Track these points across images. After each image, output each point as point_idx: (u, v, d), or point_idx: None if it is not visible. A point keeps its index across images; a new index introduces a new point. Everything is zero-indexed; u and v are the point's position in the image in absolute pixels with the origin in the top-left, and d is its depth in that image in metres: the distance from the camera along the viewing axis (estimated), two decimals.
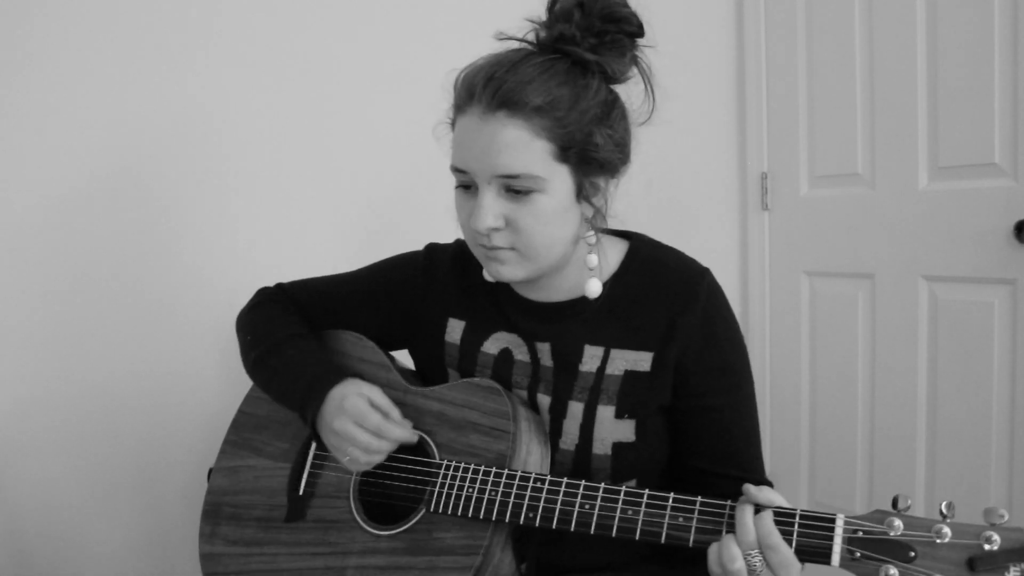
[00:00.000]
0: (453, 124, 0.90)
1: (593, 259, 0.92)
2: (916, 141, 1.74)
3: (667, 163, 2.02)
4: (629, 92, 0.91)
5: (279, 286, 1.14)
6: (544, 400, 0.96)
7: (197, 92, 1.48)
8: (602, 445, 0.92)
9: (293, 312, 1.10)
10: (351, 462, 0.94)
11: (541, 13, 0.88)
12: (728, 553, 0.74)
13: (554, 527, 0.83)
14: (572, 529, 0.83)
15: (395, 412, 0.95)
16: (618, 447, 0.92)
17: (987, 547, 0.66)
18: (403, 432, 0.93)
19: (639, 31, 0.88)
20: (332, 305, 1.10)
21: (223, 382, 1.49)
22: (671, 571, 0.98)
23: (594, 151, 0.86)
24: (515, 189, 0.84)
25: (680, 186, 2.09)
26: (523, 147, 0.82)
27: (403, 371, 1.06)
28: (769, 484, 0.91)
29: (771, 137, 2.07)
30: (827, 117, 1.93)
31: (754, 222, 2.13)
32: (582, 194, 0.88)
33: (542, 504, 0.85)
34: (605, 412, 0.92)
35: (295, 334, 1.05)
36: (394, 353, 1.10)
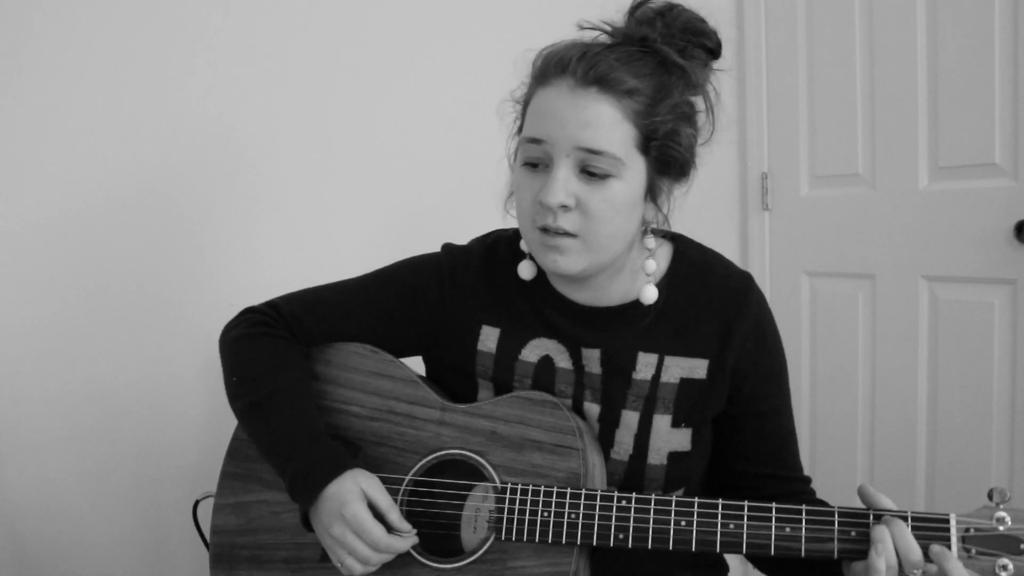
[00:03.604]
0: (527, 100, 0.87)
1: (652, 264, 0.91)
2: (916, 141, 1.74)
3: None
4: None
5: (271, 306, 1.01)
6: (592, 409, 0.92)
7: (205, 94, 1.47)
8: (657, 455, 0.90)
9: (285, 345, 0.98)
10: (345, 568, 0.86)
11: (610, 16, 0.87)
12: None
13: (650, 547, 0.80)
14: (671, 548, 0.80)
15: (394, 513, 0.87)
16: (673, 456, 0.90)
17: None
18: (403, 543, 0.86)
19: (717, 49, 0.87)
20: (338, 318, 1.00)
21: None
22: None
23: (675, 148, 0.85)
24: (592, 170, 0.82)
25: (680, 186, 2.08)
26: (611, 126, 0.81)
27: (433, 386, 0.98)
28: (808, 479, 0.95)
29: (771, 137, 2.07)
30: (827, 117, 1.93)
31: (754, 222, 2.13)
32: (652, 193, 0.87)
33: (632, 523, 0.81)
34: (661, 421, 0.90)
35: (282, 388, 0.94)
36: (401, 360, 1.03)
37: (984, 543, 0.71)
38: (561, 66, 0.82)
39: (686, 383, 0.90)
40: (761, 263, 2.12)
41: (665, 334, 0.91)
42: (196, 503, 1.06)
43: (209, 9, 1.47)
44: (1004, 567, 0.69)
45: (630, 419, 0.91)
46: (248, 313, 1.02)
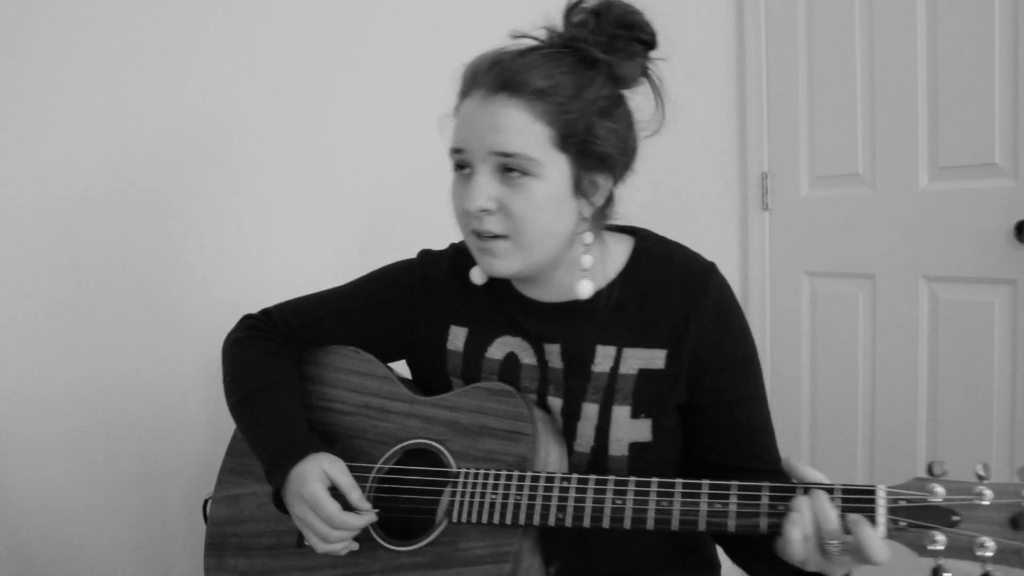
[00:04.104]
0: (457, 112, 0.90)
1: (587, 260, 0.92)
2: (916, 141, 1.74)
3: (667, 163, 2.02)
4: (639, 106, 0.91)
5: (264, 313, 1.09)
6: (555, 403, 0.94)
7: (201, 95, 1.48)
8: (618, 446, 0.91)
9: (274, 348, 1.05)
10: (311, 546, 0.91)
11: (556, 22, 0.89)
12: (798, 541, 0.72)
13: (587, 525, 0.81)
14: (606, 525, 0.81)
15: (355, 493, 0.91)
16: (635, 447, 0.91)
17: None
18: (359, 520, 0.89)
19: (652, 40, 0.89)
20: (324, 322, 1.07)
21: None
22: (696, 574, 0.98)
23: (595, 143, 0.86)
24: (510, 173, 0.84)
25: (680, 186, 2.09)
26: (521, 127, 0.83)
27: (406, 381, 1.03)
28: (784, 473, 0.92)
29: (771, 137, 2.07)
30: (827, 117, 1.93)
31: (754, 222, 2.13)
32: (580, 189, 0.88)
33: (571, 503, 0.82)
34: (620, 412, 0.91)
35: (269, 384, 1.00)
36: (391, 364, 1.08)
37: (915, 515, 0.69)
38: (474, 77, 0.87)
39: (644, 374, 0.91)
40: (761, 263, 2.12)
41: (623, 326, 0.92)
42: (206, 502, 1.09)
43: (209, 9, 1.48)
44: (934, 541, 0.67)
45: (590, 411, 0.92)
46: (245, 319, 1.10)
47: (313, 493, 0.88)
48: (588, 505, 0.82)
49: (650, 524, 0.79)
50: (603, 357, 0.92)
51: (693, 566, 1.00)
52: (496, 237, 0.87)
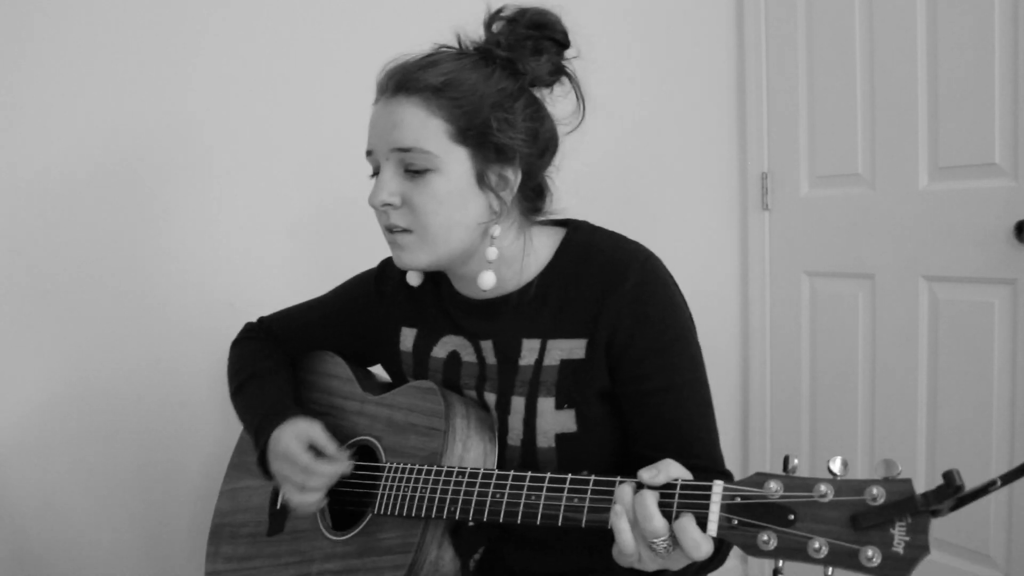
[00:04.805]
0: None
1: (492, 252, 0.93)
2: (916, 141, 1.74)
3: (668, 163, 2.02)
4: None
5: (261, 320, 1.21)
6: (491, 398, 0.96)
7: (196, 94, 1.48)
8: (545, 438, 0.92)
9: (269, 347, 1.16)
10: (290, 502, 0.96)
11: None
12: (623, 542, 0.71)
13: (471, 518, 0.85)
14: (485, 519, 0.83)
15: (330, 448, 0.96)
16: (561, 439, 0.92)
17: (871, 503, 0.61)
18: (332, 468, 0.94)
19: (563, 39, 0.93)
20: (305, 331, 1.17)
21: (224, 384, 1.49)
22: None
23: (492, 135, 0.88)
24: (411, 168, 0.88)
25: (680, 186, 2.09)
26: (417, 123, 0.87)
27: (366, 382, 1.09)
28: (726, 473, 0.90)
29: (771, 137, 2.07)
30: (827, 117, 1.93)
31: (754, 222, 2.13)
32: (485, 182, 0.90)
33: (462, 497, 0.85)
34: (545, 404, 0.92)
35: (259, 371, 1.11)
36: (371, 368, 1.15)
37: (750, 513, 0.66)
38: (378, 84, 0.92)
39: (566, 364, 0.91)
40: (761, 263, 2.12)
41: (547, 318, 0.93)
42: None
43: (209, 10, 1.48)
44: (765, 541, 0.64)
45: (518, 404, 0.94)
46: (245, 326, 1.21)
47: (287, 447, 0.95)
48: (474, 499, 0.84)
49: (519, 519, 0.81)
50: (528, 350, 0.94)
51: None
52: (402, 231, 0.90)
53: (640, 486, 0.72)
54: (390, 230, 0.92)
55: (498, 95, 0.89)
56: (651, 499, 0.70)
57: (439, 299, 1.03)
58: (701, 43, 2.10)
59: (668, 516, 0.70)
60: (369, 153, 0.92)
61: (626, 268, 0.90)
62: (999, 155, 1.61)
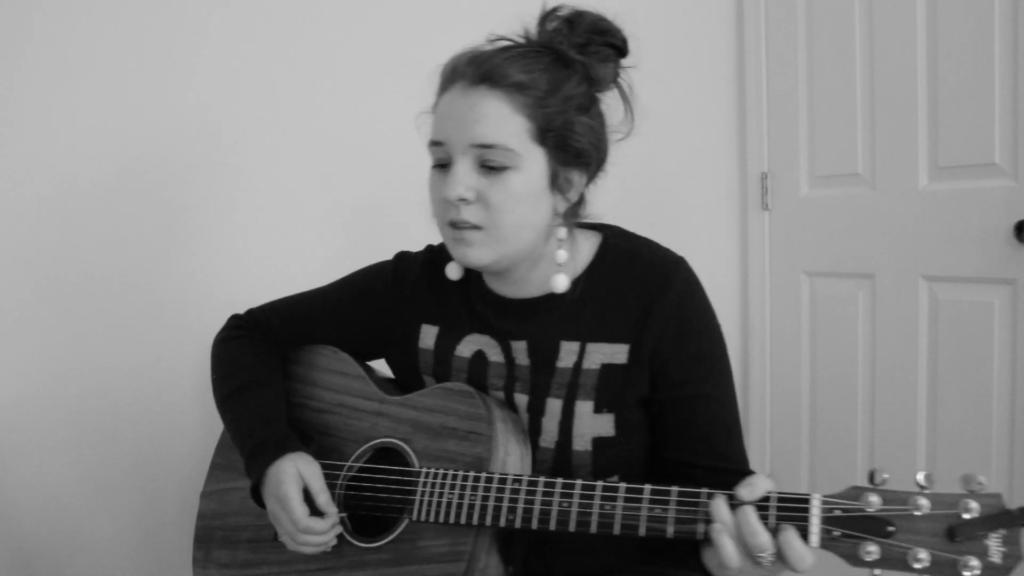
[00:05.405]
0: (435, 107, 0.92)
1: (562, 254, 0.93)
2: (916, 141, 1.74)
3: (668, 163, 2.02)
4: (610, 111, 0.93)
5: (250, 313, 1.14)
6: (521, 399, 0.95)
7: (201, 93, 1.48)
8: (582, 441, 0.92)
9: (260, 346, 1.09)
10: (287, 546, 0.94)
11: (531, 28, 0.91)
12: (725, 554, 0.72)
13: (534, 527, 0.82)
14: (552, 528, 0.81)
15: (323, 496, 0.93)
16: (598, 442, 0.92)
17: (966, 516, 0.65)
18: (323, 525, 0.91)
19: (623, 46, 0.92)
20: (304, 323, 1.11)
21: None
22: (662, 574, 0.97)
23: (572, 139, 0.88)
24: (489, 164, 0.86)
25: (680, 186, 2.09)
26: (501, 119, 0.85)
27: (380, 381, 1.06)
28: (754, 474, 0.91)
29: (771, 137, 2.07)
30: (827, 117, 1.93)
31: (754, 222, 2.12)
32: (556, 184, 0.89)
33: (521, 504, 0.83)
34: (583, 407, 0.92)
35: (251, 382, 1.04)
36: (372, 363, 1.10)
37: (849, 524, 0.68)
38: (454, 71, 0.89)
39: (607, 368, 0.91)
40: (761, 263, 2.12)
41: (587, 321, 0.93)
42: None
43: (209, 10, 1.48)
44: (869, 552, 0.67)
45: (554, 406, 0.93)
46: (232, 319, 1.14)
47: (285, 494, 0.91)
48: (536, 507, 0.82)
49: (593, 528, 0.80)
50: (567, 352, 0.93)
51: (667, 563, 0.99)
52: (472, 228, 0.88)
53: (731, 497, 0.74)
54: (457, 226, 0.88)
55: (580, 99, 0.88)
56: (754, 515, 0.71)
57: (466, 297, 1.01)
58: (701, 43, 2.10)
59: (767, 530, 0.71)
60: (438, 144, 0.89)
61: (668, 275, 0.91)
62: (999, 155, 1.61)
